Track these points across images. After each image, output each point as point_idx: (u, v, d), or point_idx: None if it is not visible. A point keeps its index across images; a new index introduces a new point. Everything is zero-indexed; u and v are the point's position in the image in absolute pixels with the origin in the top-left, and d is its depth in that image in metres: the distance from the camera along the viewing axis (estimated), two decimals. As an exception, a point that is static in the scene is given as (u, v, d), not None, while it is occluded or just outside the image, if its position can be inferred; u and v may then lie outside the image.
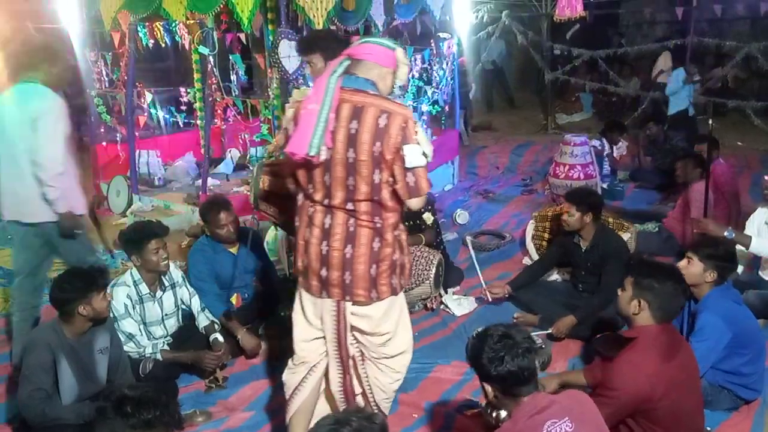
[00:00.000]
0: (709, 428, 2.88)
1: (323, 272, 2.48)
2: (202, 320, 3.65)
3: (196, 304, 3.68)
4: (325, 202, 2.46)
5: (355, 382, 2.67)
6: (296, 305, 2.67)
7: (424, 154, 2.37)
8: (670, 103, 7.89)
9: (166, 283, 3.59)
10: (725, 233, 3.78)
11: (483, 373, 2.12)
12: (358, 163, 2.37)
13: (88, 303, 2.82)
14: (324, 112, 2.33)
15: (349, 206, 2.43)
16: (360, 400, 2.68)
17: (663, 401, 2.45)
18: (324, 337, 2.62)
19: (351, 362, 2.63)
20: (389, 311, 2.57)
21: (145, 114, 6.90)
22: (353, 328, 2.58)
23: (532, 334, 3.72)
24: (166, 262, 3.49)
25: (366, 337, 2.59)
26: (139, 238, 3.41)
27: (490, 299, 4.15)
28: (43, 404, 2.75)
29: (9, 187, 3.45)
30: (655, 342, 2.53)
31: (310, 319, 2.62)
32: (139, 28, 6.03)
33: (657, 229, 5.31)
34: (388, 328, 2.59)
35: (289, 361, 2.74)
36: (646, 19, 11.86)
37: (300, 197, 2.55)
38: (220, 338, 3.57)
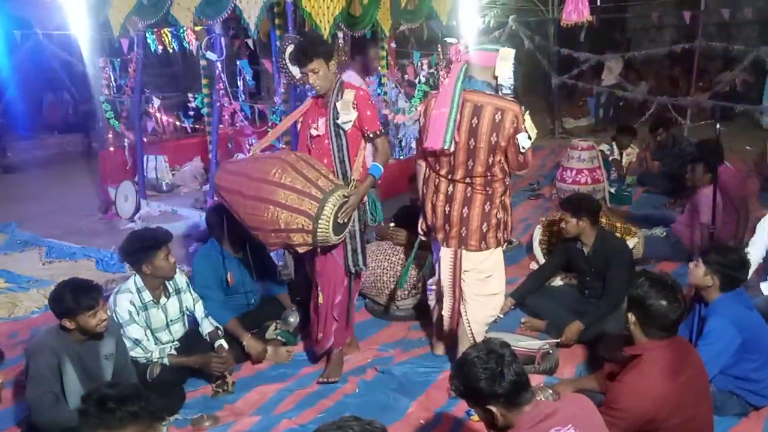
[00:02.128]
0: (718, 434, 2.86)
1: (446, 227, 3.30)
2: (206, 326, 3.65)
3: (199, 310, 3.68)
4: (449, 176, 3.25)
5: (462, 308, 3.44)
6: (440, 255, 3.44)
7: (529, 137, 3.05)
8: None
9: (171, 289, 3.58)
10: None
11: (486, 396, 2.03)
12: (477, 150, 3.13)
13: (73, 319, 2.82)
14: (453, 114, 3.08)
15: (467, 180, 3.22)
16: (465, 325, 3.45)
17: (670, 420, 2.42)
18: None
19: (460, 295, 3.42)
20: (490, 257, 3.34)
21: (153, 119, 6.93)
22: (464, 270, 3.35)
23: (541, 341, 3.77)
24: (175, 267, 3.50)
25: (470, 275, 3.35)
26: (149, 247, 3.37)
27: (500, 316, 4.14)
28: (54, 408, 2.76)
29: None
30: (661, 361, 2.47)
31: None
32: (147, 35, 6.06)
33: (665, 233, 5.29)
34: (486, 268, 3.36)
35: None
36: (654, 24, 11.83)
37: (427, 170, 3.35)
38: (225, 344, 3.57)
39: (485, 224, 3.25)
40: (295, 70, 5.11)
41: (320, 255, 3.41)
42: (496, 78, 3.17)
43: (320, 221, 3.08)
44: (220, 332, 3.64)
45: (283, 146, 5.08)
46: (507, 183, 3.28)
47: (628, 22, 12.57)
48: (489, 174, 3.18)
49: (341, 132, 3.36)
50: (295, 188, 3.11)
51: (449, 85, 3.17)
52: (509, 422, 2.04)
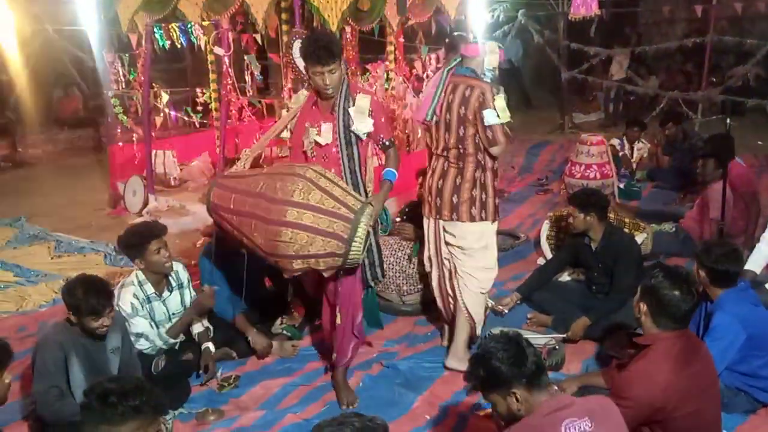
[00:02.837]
0: (725, 431, 2.83)
1: (429, 199, 3.54)
2: (197, 327, 3.62)
3: None
4: (435, 151, 3.53)
5: (449, 285, 3.61)
6: (424, 226, 3.68)
7: (498, 115, 3.29)
8: None
9: (173, 284, 3.57)
10: None
11: (509, 380, 2.05)
12: (450, 122, 3.41)
13: (78, 317, 2.84)
14: (438, 92, 3.43)
15: (444, 153, 3.47)
16: (459, 300, 3.55)
17: (678, 411, 2.40)
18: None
19: (447, 272, 3.60)
20: (468, 232, 3.46)
21: (162, 114, 6.96)
22: (447, 243, 3.54)
23: (547, 336, 3.76)
24: (169, 262, 3.45)
25: (455, 249, 3.52)
26: (138, 241, 3.36)
27: (506, 311, 4.13)
28: (59, 401, 2.78)
29: None
30: (669, 350, 2.46)
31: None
32: (155, 30, 6.08)
33: (674, 229, 5.24)
34: (470, 245, 3.48)
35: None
36: (665, 17, 11.72)
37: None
38: (212, 347, 3.56)
39: (455, 196, 3.43)
40: (303, 65, 5.11)
41: (341, 275, 3.16)
42: (481, 66, 3.46)
43: (354, 243, 2.85)
44: (209, 333, 3.62)
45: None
46: (481, 161, 3.42)
47: (639, 16, 12.45)
48: (461, 147, 3.40)
49: (353, 140, 3.20)
50: (325, 210, 2.84)
51: (441, 71, 3.53)
52: (529, 407, 2.06)
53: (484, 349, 2.13)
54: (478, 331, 3.65)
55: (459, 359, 3.51)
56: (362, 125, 3.17)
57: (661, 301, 2.49)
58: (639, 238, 4.60)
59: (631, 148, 7.29)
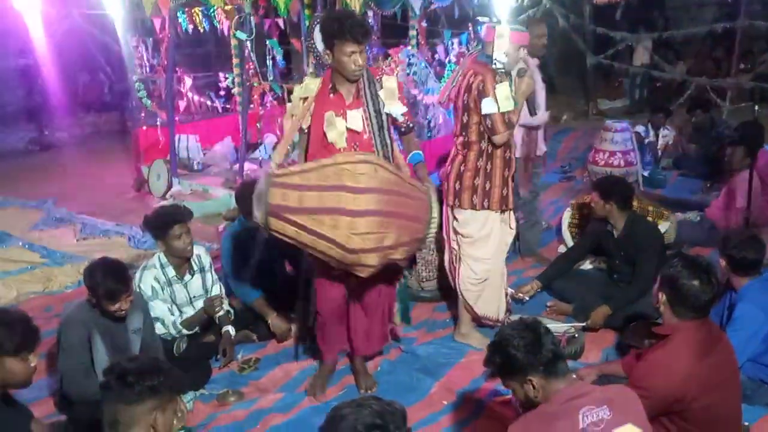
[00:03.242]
0: (747, 423, 2.80)
1: (443, 182, 3.58)
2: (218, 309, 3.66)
3: (216, 293, 3.68)
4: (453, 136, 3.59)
5: (457, 266, 3.68)
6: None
7: (498, 105, 3.25)
8: None
9: (195, 267, 3.61)
10: None
11: (525, 367, 2.07)
12: (457, 108, 3.47)
13: (97, 300, 2.89)
14: (456, 77, 3.49)
15: (454, 139, 3.54)
16: (458, 291, 3.66)
17: (697, 402, 2.38)
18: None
19: (455, 256, 3.69)
20: (471, 220, 3.51)
21: (185, 99, 7.01)
22: (453, 228, 3.61)
23: (567, 324, 3.73)
24: (189, 247, 3.47)
25: (458, 235, 3.59)
26: (161, 223, 3.41)
27: (527, 299, 4.11)
28: (85, 380, 2.84)
29: None
30: (689, 340, 2.43)
31: None
32: (178, 14, 6.11)
33: (699, 218, 5.16)
34: (470, 233, 3.54)
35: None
36: (694, 1, 11.47)
37: None
38: (232, 331, 3.59)
39: (458, 183, 3.48)
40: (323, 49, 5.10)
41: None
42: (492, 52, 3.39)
43: (431, 226, 2.78)
44: (230, 316, 3.65)
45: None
46: (485, 149, 3.42)
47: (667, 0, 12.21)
48: (465, 134, 3.44)
49: (384, 125, 3.04)
50: (405, 193, 2.71)
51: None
52: (546, 395, 2.06)
53: (501, 336, 2.15)
54: (500, 316, 3.68)
55: (461, 335, 3.75)
56: (396, 107, 3.07)
57: (680, 291, 2.46)
58: (663, 226, 4.54)
59: (656, 135, 7.18)
